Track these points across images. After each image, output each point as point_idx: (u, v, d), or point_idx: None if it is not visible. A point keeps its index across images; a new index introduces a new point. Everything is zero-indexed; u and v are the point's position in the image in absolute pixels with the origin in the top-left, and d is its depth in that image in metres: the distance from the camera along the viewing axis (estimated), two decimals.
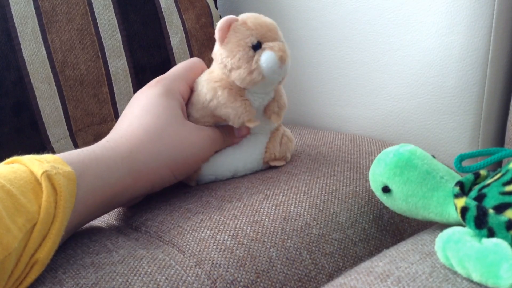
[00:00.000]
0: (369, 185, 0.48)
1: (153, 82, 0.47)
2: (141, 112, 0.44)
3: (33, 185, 0.35)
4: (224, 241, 0.40)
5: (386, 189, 0.37)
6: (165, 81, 0.47)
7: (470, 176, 0.35)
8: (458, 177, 0.36)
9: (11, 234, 0.32)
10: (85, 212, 0.39)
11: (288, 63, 0.45)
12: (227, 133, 0.49)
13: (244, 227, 0.41)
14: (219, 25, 0.45)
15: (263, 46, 0.44)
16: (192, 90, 0.48)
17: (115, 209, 0.48)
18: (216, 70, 0.46)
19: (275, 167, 0.51)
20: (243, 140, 0.50)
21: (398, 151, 0.36)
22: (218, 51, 0.46)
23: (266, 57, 0.44)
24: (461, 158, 0.36)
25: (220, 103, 0.46)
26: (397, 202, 0.37)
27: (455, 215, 0.34)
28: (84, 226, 0.45)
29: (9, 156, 0.39)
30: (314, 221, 0.43)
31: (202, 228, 0.41)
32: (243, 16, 0.46)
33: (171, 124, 0.44)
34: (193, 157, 0.46)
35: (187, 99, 0.48)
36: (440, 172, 0.36)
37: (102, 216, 0.49)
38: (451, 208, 0.34)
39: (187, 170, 0.46)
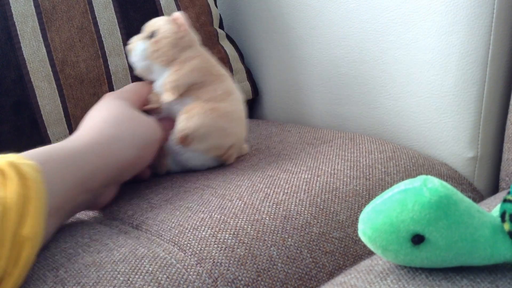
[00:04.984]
0: (369, 183, 0.48)
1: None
2: (95, 112, 0.48)
3: None
4: (225, 240, 0.40)
5: (418, 240, 0.29)
6: (112, 95, 0.51)
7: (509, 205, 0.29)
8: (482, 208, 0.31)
9: None
10: (64, 194, 0.40)
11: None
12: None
13: (245, 226, 0.41)
14: None
15: None
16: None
17: (116, 208, 0.48)
18: None
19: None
20: None
21: (433, 187, 0.28)
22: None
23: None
24: None
25: None
26: (435, 253, 0.29)
27: (508, 253, 0.29)
28: (84, 225, 0.45)
29: None
30: (315, 220, 0.43)
31: (203, 227, 0.41)
32: None
33: (126, 111, 0.48)
34: (153, 136, 0.49)
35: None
36: (474, 204, 0.29)
37: (102, 215, 0.49)
38: (501, 245, 0.29)
39: (150, 149, 0.49)
